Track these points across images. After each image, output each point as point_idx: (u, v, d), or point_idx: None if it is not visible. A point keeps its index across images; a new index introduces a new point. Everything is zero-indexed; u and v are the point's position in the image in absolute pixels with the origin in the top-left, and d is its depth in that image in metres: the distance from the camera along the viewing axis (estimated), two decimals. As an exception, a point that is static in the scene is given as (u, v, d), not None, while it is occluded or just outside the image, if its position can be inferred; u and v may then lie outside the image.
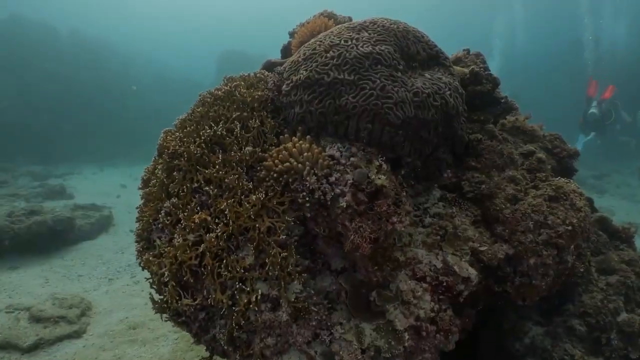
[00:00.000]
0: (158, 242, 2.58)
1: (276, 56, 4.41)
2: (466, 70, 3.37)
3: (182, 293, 2.42)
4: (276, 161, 2.41)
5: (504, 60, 36.35)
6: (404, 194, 2.49)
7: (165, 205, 2.59)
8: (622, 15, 31.81)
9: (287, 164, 2.35)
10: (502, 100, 3.71)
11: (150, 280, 2.57)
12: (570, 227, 2.66)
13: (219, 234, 2.34)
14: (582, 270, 2.90)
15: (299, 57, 2.74)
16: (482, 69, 3.45)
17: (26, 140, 19.10)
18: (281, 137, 2.60)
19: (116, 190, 14.65)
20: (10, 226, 7.89)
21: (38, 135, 19.87)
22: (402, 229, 2.32)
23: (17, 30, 23.83)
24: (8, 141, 18.33)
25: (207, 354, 2.67)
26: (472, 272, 2.47)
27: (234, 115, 2.75)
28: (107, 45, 30.01)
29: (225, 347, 2.38)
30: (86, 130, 22.46)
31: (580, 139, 14.96)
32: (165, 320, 2.59)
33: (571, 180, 3.05)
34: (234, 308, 2.28)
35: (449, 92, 2.67)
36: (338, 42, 2.66)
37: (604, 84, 15.56)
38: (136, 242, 2.79)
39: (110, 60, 28.32)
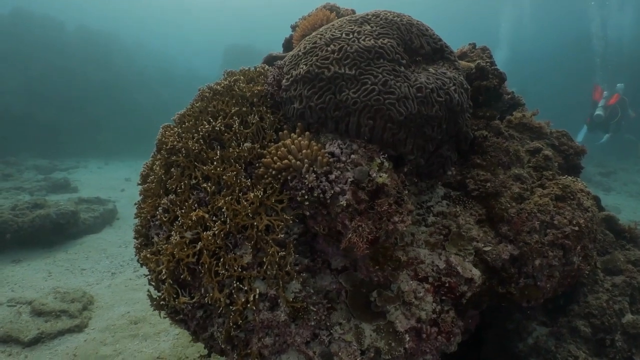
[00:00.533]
0: (156, 239, 2.55)
1: (281, 50, 4.35)
2: (472, 64, 3.29)
3: (179, 291, 2.39)
4: (275, 158, 2.36)
5: (511, 52, 36.21)
6: (406, 192, 2.43)
7: (162, 202, 2.55)
8: (628, 5, 31.64)
9: (286, 161, 2.30)
10: (509, 96, 3.64)
11: (149, 277, 2.54)
12: (577, 228, 2.59)
13: (217, 231, 2.30)
14: (587, 272, 2.84)
15: (299, 51, 2.68)
16: (488, 64, 3.37)
17: (32, 133, 19.20)
18: (280, 133, 2.54)
19: (121, 184, 14.69)
20: (14, 219, 7.92)
21: (43, 129, 19.97)
22: (404, 228, 2.26)
23: (23, 24, 23.93)
24: (14, 135, 18.43)
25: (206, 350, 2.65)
26: (476, 273, 2.41)
27: (232, 111, 2.70)
28: (113, 39, 30.07)
29: (223, 346, 2.34)
30: (92, 124, 22.58)
31: (581, 132, 15.14)
32: (164, 317, 2.56)
33: (578, 179, 2.98)
34: (231, 307, 2.24)
35: (453, 88, 2.60)
36: (339, 35, 2.59)
37: (610, 77, 15.85)
38: (135, 238, 2.76)
39: (117, 54, 28.36)
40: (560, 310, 3.31)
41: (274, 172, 2.35)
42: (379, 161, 2.34)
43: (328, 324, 2.32)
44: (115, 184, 14.66)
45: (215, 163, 2.50)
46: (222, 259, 2.28)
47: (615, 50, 28.87)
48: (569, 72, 34.49)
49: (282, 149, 2.36)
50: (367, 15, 2.80)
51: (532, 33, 40.12)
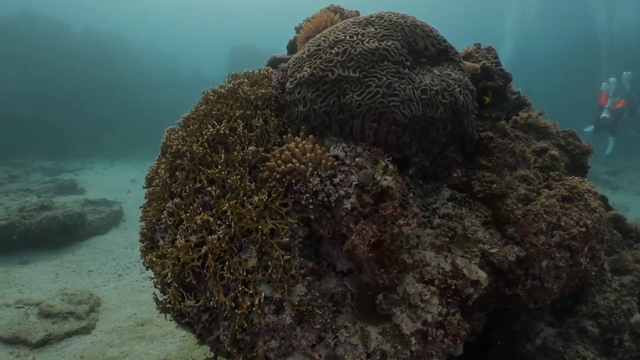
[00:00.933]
0: (161, 242, 2.55)
1: (285, 51, 4.34)
2: (477, 65, 3.27)
3: (185, 294, 2.40)
4: (279, 161, 2.35)
5: (515, 48, 36.10)
6: (411, 195, 2.42)
7: (167, 205, 2.56)
8: (634, 1, 31.45)
9: (290, 164, 2.29)
10: (514, 96, 3.62)
11: (154, 281, 2.55)
12: (584, 229, 2.57)
13: (221, 235, 2.30)
14: (594, 273, 2.82)
15: (303, 53, 2.67)
16: (493, 64, 3.34)
17: (38, 135, 19.33)
18: (284, 136, 2.54)
19: (127, 186, 14.76)
20: (22, 221, 7.98)
21: (50, 131, 20.11)
22: (409, 231, 2.25)
23: (29, 27, 24.10)
24: (21, 137, 18.57)
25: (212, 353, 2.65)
26: (482, 275, 2.40)
27: (237, 114, 2.70)
28: (119, 41, 30.22)
29: (229, 349, 2.35)
30: (98, 126, 22.70)
31: (588, 127, 15.24)
32: (170, 320, 2.57)
33: (585, 179, 2.96)
34: (236, 310, 2.24)
35: (458, 89, 2.58)
36: (343, 37, 2.58)
37: (616, 70, 16.13)
38: (140, 241, 2.77)
39: (122, 56, 28.49)
40: (568, 311, 3.29)
41: (278, 176, 2.35)
42: (384, 164, 2.33)
43: (334, 327, 2.32)
44: (121, 186, 14.73)
45: (219, 166, 2.50)
46: (227, 263, 2.28)
47: (622, 44, 28.79)
48: (575, 69, 34.28)
49: (286, 152, 2.36)
50: (371, 17, 2.79)
51: (538, 30, 39.90)
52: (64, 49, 24.58)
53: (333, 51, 2.52)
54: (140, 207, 2.85)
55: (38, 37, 23.76)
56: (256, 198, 2.34)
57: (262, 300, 2.22)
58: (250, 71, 3.13)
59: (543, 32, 39.93)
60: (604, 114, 14.68)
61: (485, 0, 39.34)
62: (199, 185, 2.54)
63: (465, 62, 3.04)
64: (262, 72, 3.11)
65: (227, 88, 2.89)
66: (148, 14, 50.13)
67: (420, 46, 2.71)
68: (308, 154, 2.27)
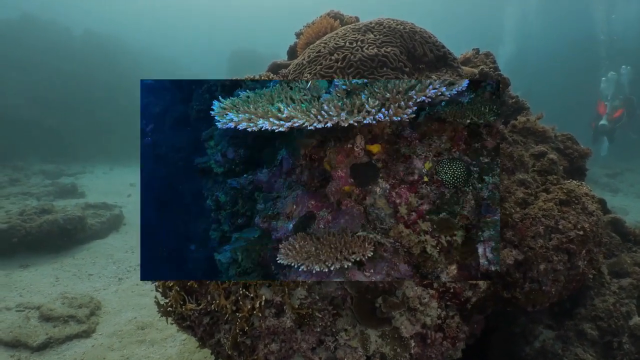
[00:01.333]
0: (163, 246, 2.58)
1: (286, 56, 4.37)
2: (475, 70, 3.30)
3: (186, 297, 2.42)
4: (280, 166, 2.38)
5: (516, 48, 36.10)
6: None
7: (169, 209, 2.58)
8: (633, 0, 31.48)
9: (291, 169, 2.32)
10: (513, 100, 3.65)
11: (156, 284, 2.57)
12: (581, 232, 2.59)
13: (223, 239, 2.32)
14: (591, 276, 2.84)
15: (304, 59, 2.70)
16: (492, 69, 3.37)
17: (39, 138, 19.30)
18: (285, 141, 2.57)
19: (126, 189, 14.75)
20: (22, 225, 7.98)
21: (51, 134, 20.08)
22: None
23: (30, 29, 24.12)
24: (21, 140, 18.56)
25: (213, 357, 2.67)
26: (480, 279, 2.42)
27: (238, 119, 2.72)
28: (119, 44, 30.19)
29: (230, 352, 2.36)
30: (98, 129, 22.67)
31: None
32: (171, 324, 2.59)
33: (583, 183, 2.98)
34: (237, 314, 2.26)
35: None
36: (343, 44, 2.61)
37: (616, 68, 16.41)
38: (142, 245, 2.79)
39: (123, 59, 28.49)
40: (567, 314, 3.30)
41: (279, 180, 2.38)
42: (383, 168, 2.36)
43: (334, 330, 2.34)
44: (121, 189, 14.72)
45: (221, 171, 2.53)
46: (228, 266, 2.31)
47: (621, 44, 28.82)
48: (575, 69, 34.23)
49: (287, 157, 2.39)
50: (371, 23, 2.82)
51: (538, 30, 39.87)
52: (65, 52, 24.59)
53: (333, 57, 2.55)
54: (142, 211, 2.87)
55: (39, 39, 23.76)
56: (257, 202, 2.36)
57: (262, 303, 2.24)
58: (252, 77, 3.16)
59: (543, 32, 39.88)
60: (603, 122, 14.86)
61: (485, 0, 39.35)
62: (200, 189, 2.57)
63: (463, 68, 3.07)
64: (262, 78, 3.14)
65: (228, 93, 2.92)
66: (148, 16, 50.22)
67: (419, 52, 2.74)
68: (308, 159, 2.30)
